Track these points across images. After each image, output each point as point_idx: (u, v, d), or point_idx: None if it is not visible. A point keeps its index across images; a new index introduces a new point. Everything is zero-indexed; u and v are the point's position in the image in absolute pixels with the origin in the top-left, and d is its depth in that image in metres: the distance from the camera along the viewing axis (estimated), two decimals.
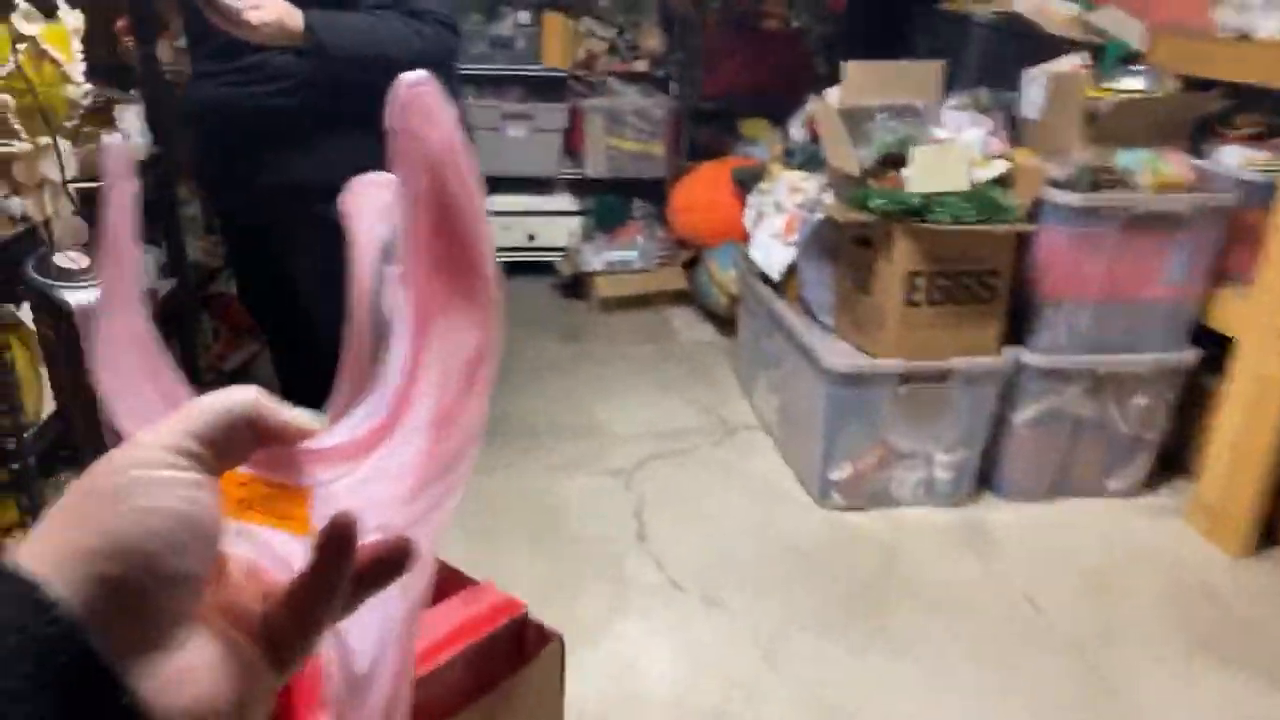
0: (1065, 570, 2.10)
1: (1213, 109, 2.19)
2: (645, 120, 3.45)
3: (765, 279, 2.63)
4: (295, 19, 1.47)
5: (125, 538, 0.27)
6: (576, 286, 3.55)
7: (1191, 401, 2.36)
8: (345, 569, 0.33)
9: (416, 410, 0.35)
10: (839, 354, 2.21)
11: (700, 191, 3.41)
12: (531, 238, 3.63)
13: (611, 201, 3.63)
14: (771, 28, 3.52)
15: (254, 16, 1.39)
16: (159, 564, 0.28)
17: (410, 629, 0.41)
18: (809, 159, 2.59)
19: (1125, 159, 2.16)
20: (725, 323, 3.32)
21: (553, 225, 3.65)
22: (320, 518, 0.33)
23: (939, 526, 2.26)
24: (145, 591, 0.27)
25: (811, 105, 2.54)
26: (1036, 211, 2.15)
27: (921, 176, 2.07)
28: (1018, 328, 2.25)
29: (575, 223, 3.66)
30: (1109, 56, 2.39)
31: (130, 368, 0.36)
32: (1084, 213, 2.10)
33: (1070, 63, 2.35)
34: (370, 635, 0.40)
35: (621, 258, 3.47)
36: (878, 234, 2.14)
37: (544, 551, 2.08)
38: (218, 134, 1.69)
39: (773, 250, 2.58)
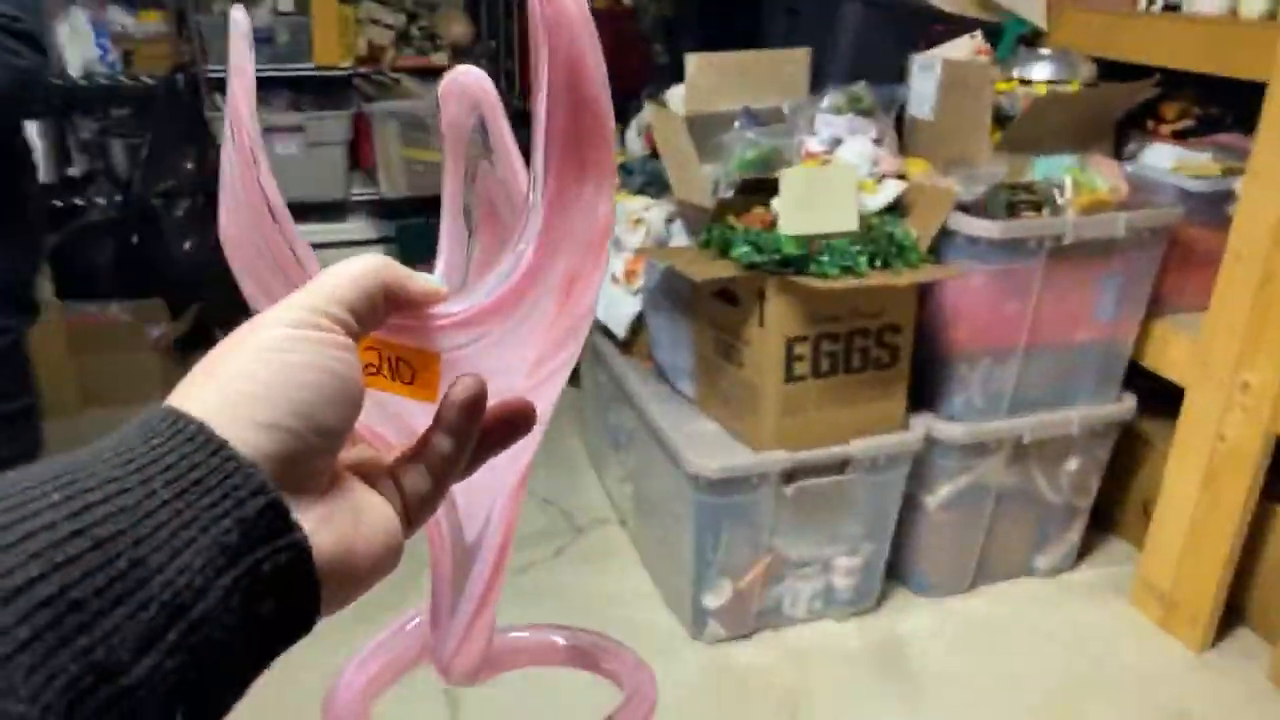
0: (1010, 703, 1.64)
1: (1145, 99, 1.75)
2: None
3: (608, 333, 2.07)
4: None
5: (281, 388, 0.28)
6: None
7: (1123, 448, 1.95)
8: (475, 429, 0.34)
9: (547, 279, 0.35)
10: (706, 449, 1.66)
11: None
12: None
13: (418, 226, 2.97)
14: (600, 7, 2.92)
15: None
16: (311, 415, 0.28)
17: (516, 498, 0.43)
18: (651, 179, 2.03)
19: (1044, 169, 1.70)
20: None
21: (345, 258, 2.96)
22: (447, 382, 0.34)
23: (847, 651, 1.77)
24: (299, 438, 0.28)
25: (648, 110, 1.98)
26: (941, 244, 1.66)
27: (796, 213, 1.54)
28: (923, 391, 1.77)
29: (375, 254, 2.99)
30: (1007, 38, 1.93)
31: (259, 240, 0.37)
32: (1004, 245, 1.62)
33: (964, 46, 1.87)
34: (481, 502, 0.42)
35: None
36: (745, 289, 1.60)
37: None
38: None
39: (614, 299, 2.02)
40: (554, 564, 1.99)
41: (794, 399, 1.62)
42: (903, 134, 1.82)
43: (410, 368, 0.34)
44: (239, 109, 0.36)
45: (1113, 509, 2.06)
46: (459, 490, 0.37)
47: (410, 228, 2.98)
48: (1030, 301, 1.69)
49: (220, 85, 2.69)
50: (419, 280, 0.33)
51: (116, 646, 0.23)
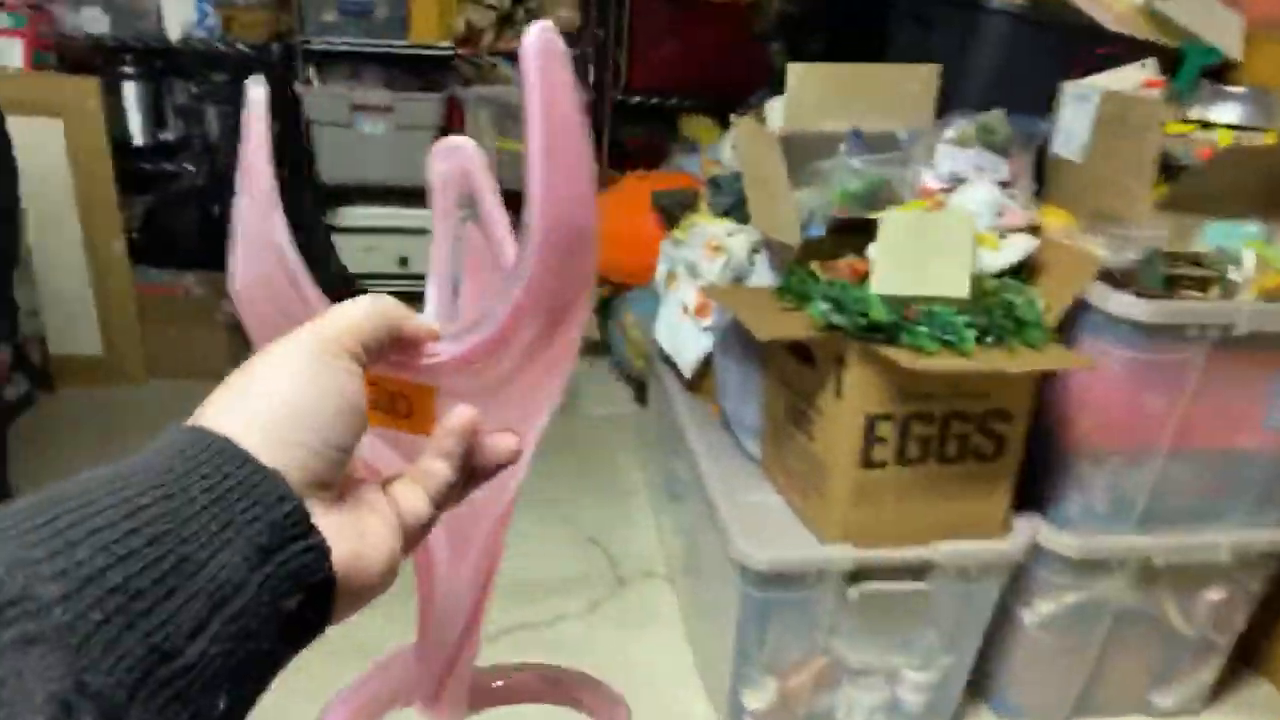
0: None
1: None
2: None
3: (675, 368, 1.84)
4: None
5: (302, 409, 0.31)
6: None
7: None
8: (469, 456, 0.38)
9: (532, 324, 0.37)
10: (761, 529, 1.42)
11: (619, 213, 2.58)
12: (404, 262, 2.82)
13: None
14: (718, 1, 2.68)
15: None
16: (328, 435, 0.31)
17: (500, 529, 0.46)
18: (740, 201, 1.79)
19: (1218, 236, 1.37)
20: (646, 388, 2.52)
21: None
22: (441, 415, 0.37)
23: None
24: (316, 455, 0.31)
25: (737, 125, 1.73)
26: (1074, 318, 1.36)
27: (893, 268, 1.27)
28: (1032, 488, 1.47)
29: None
30: (1187, 68, 1.59)
31: (271, 290, 0.40)
32: (1155, 330, 1.30)
33: (1131, 76, 1.54)
34: (467, 531, 0.45)
35: None
36: (823, 350, 1.35)
37: None
38: None
39: (684, 334, 1.79)
40: (588, 619, 1.79)
41: (870, 487, 1.36)
42: (1042, 177, 1.51)
43: (408, 402, 0.38)
44: (253, 164, 0.39)
45: (1261, 645, 1.71)
46: (446, 519, 0.39)
47: None
48: (1182, 399, 1.37)
49: (315, 58, 2.59)
50: (415, 320, 0.36)
51: (172, 632, 0.25)
